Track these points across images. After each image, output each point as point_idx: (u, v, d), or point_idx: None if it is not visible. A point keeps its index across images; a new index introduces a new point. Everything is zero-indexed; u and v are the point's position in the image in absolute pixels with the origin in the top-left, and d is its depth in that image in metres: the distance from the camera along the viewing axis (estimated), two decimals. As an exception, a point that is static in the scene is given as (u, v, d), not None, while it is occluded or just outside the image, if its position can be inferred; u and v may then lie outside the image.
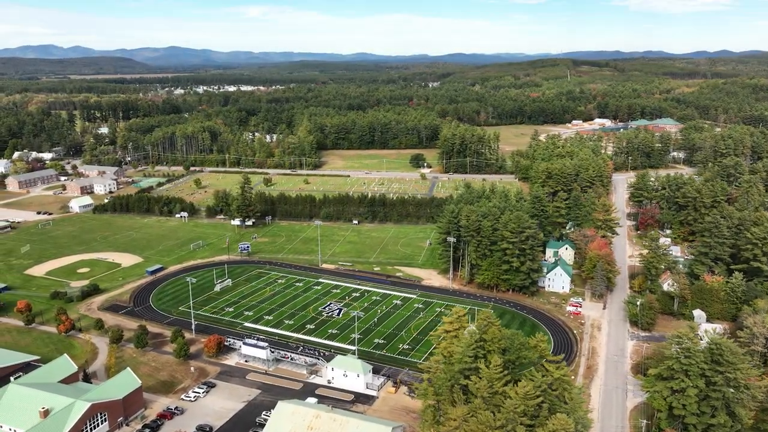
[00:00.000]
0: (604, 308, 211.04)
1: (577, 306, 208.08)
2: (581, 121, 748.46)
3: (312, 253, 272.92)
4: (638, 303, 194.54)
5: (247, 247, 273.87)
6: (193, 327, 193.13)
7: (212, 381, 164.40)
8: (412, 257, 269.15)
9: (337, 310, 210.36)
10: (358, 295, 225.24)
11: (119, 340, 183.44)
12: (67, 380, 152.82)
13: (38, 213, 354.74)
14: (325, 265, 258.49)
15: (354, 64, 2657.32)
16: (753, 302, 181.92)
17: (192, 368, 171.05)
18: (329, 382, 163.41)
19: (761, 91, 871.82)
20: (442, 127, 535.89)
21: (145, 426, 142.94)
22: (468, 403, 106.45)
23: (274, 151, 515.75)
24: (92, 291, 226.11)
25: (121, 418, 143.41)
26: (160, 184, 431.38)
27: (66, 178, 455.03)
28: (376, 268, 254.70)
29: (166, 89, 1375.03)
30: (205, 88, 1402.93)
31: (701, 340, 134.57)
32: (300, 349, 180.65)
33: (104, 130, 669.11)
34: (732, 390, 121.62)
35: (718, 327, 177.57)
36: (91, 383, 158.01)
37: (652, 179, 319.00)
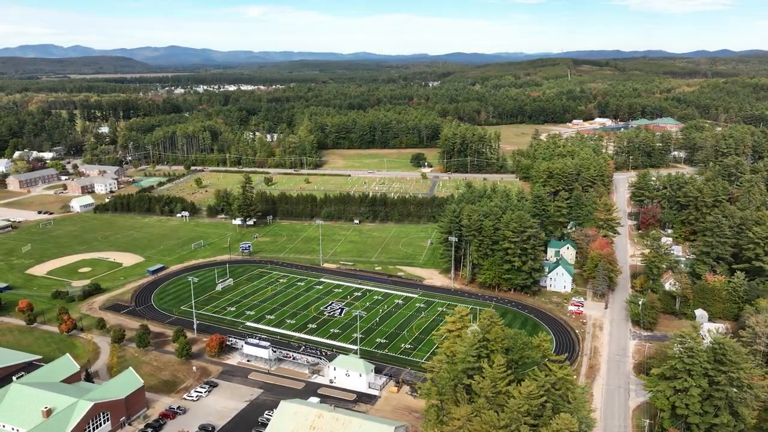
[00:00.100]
0: (606, 308, 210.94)
1: (578, 305, 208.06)
2: (582, 121, 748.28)
3: (313, 252, 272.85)
4: (640, 302, 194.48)
5: (249, 246, 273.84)
6: (194, 326, 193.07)
7: (214, 380, 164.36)
8: (414, 257, 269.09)
9: (339, 310, 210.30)
10: (359, 294, 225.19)
11: (121, 340, 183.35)
12: (70, 380, 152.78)
13: (39, 212, 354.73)
14: (326, 265, 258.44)
15: (354, 64, 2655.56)
16: (755, 302, 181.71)
17: (194, 368, 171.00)
18: (331, 381, 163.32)
19: (762, 91, 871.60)
20: (443, 127, 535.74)
21: (147, 426, 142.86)
22: (471, 402, 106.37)
23: (275, 151, 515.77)
24: (94, 290, 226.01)
25: (124, 418, 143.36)
26: (160, 184, 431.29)
27: (67, 177, 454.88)
28: (377, 268, 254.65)
29: (167, 89, 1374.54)
30: (205, 87, 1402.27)
31: (704, 339, 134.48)
32: (302, 349, 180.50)
33: (105, 129, 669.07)
34: (735, 390, 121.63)
35: (721, 326, 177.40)
36: (93, 383, 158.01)
37: (654, 179, 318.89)
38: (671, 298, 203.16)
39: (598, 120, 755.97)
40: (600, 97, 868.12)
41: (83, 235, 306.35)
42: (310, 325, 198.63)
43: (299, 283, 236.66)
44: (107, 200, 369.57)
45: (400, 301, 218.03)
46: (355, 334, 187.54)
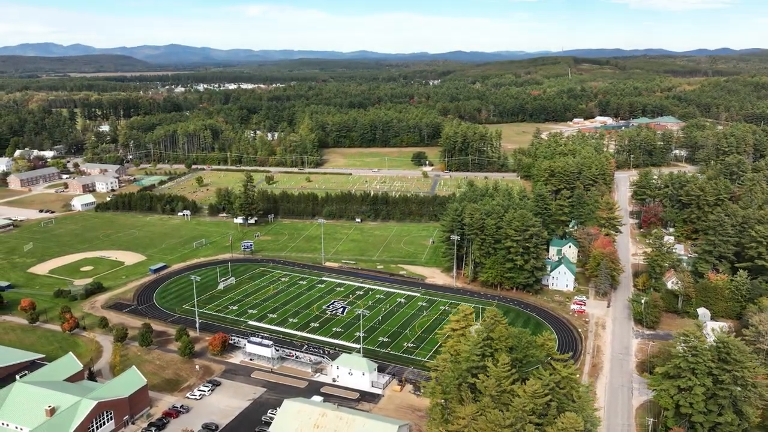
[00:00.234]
0: (608, 306, 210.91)
1: (581, 304, 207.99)
2: (583, 119, 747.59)
3: (315, 251, 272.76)
4: (643, 301, 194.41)
5: (250, 245, 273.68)
6: (197, 325, 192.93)
7: (217, 379, 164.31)
8: (416, 255, 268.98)
9: (341, 309, 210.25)
10: (361, 293, 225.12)
11: (124, 339, 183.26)
12: (73, 378, 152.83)
13: (41, 211, 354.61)
14: (328, 264, 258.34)
15: (354, 62, 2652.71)
16: (758, 300, 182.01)
17: (197, 366, 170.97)
18: (334, 380, 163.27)
19: (762, 89, 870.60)
20: (444, 125, 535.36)
21: (150, 424, 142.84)
22: (476, 401, 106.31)
23: (276, 149, 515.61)
24: (96, 289, 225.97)
25: (127, 417, 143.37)
26: (162, 183, 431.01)
27: (68, 176, 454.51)
28: (379, 267, 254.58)
29: (167, 87, 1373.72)
30: (205, 86, 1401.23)
31: (708, 338, 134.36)
32: (304, 348, 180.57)
33: (105, 128, 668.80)
34: (739, 388, 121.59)
35: (724, 325, 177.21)
36: (96, 381, 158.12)
37: (655, 177, 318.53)
38: (674, 296, 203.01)
39: (598, 118, 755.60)
40: (601, 96, 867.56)
41: (85, 234, 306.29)
42: (312, 324, 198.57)
43: (301, 282, 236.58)
44: (108, 199, 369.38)
45: (402, 300, 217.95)
46: (357, 333, 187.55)
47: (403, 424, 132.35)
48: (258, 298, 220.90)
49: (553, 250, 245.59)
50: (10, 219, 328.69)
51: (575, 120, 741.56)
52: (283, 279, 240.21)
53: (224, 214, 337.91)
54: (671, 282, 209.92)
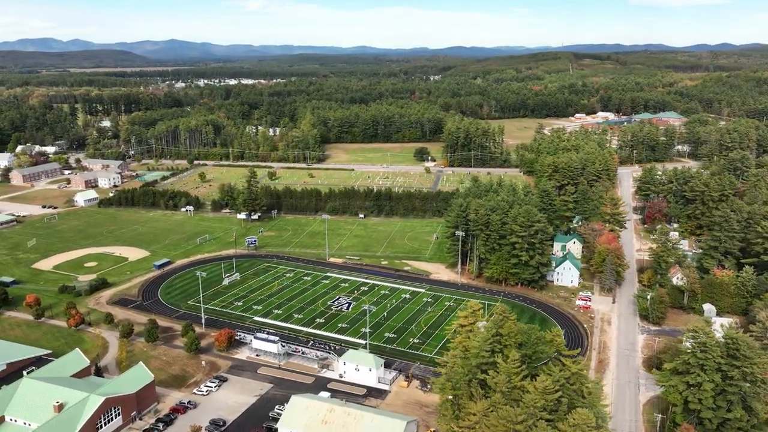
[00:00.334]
0: (614, 302, 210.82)
1: (586, 300, 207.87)
2: (584, 115, 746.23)
3: (319, 246, 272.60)
4: (648, 297, 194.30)
5: (254, 241, 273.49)
6: (203, 321, 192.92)
7: (224, 375, 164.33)
8: (420, 251, 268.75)
9: (347, 304, 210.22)
10: (366, 289, 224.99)
11: (130, 334, 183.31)
12: (80, 374, 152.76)
13: (43, 207, 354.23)
14: (332, 259, 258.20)
15: (354, 58, 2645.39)
16: (764, 296, 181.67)
17: (203, 362, 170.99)
18: (341, 376, 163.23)
19: (765, 85, 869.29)
20: (446, 121, 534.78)
21: (158, 420, 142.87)
22: (486, 397, 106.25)
23: (278, 145, 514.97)
24: (100, 285, 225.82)
25: (135, 413, 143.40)
26: (164, 178, 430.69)
27: (70, 171, 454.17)
28: (383, 262, 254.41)
29: (167, 82, 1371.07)
30: (205, 81, 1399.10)
31: (716, 334, 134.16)
32: (310, 343, 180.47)
33: (106, 123, 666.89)
34: (748, 384, 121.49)
35: (732, 321, 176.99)
36: (102, 377, 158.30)
37: (659, 173, 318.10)
38: (679, 292, 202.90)
39: (600, 114, 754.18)
40: (602, 91, 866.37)
41: (88, 230, 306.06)
42: (317, 320, 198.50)
43: (306, 278, 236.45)
44: (111, 195, 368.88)
45: (407, 296, 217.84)
46: (363, 329, 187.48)
47: (411, 420, 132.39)
48: (263, 293, 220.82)
49: (557, 245, 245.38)
50: (13, 215, 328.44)
51: (577, 115, 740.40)
52: (287, 275, 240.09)
53: (227, 210, 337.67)
54: (676, 278, 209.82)
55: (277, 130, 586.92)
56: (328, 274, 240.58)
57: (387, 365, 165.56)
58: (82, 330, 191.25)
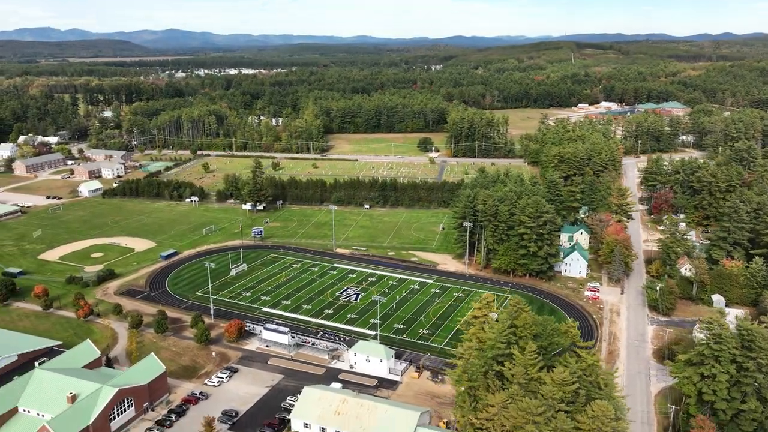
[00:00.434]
0: (622, 293, 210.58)
1: (594, 291, 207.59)
2: (587, 105, 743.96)
3: (325, 237, 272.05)
4: (658, 288, 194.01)
5: (260, 231, 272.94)
6: (211, 312, 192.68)
7: (234, 366, 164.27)
8: (426, 242, 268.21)
9: (355, 295, 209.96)
10: (374, 279, 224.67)
11: (139, 325, 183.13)
12: (91, 365, 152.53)
13: (48, 197, 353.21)
14: (339, 250, 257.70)
15: (354, 47, 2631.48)
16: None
17: (213, 353, 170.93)
18: (351, 367, 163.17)
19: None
20: (450, 111, 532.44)
21: (170, 411, 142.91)
22: (504, 389, 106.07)
23: (281, 135, 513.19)
24: (107, 276, 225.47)
25: (147, 404, 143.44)
26: (167, 169, 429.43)
27: (73, 162, 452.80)
28: (390, 253, 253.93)
29: (167, 72, 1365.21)
30: (206, 71, 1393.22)
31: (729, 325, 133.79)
32: (320, 334, 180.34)
33: (108, 113, 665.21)
34: (763, 376, 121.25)
35: (744, 312, 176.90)
36: (113, 368, 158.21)
37: (666, 163, 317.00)
38: (688, 283, 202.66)
39: (603, 104, 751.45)
40: (605, 81, 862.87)
41: (93, 220, 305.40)
42: (326, 311, 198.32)
43: (313, 269, 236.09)
44: (115, 185, 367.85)
45: (415, 287, 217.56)
46: (372, 320, 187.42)
47: (425, 411, 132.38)
48: (270, 284, 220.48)
49: (564, 236, 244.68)
50: (18, 205, 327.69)
51: (580, 105, 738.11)
52: (294, 265, 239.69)
53: (232, 201, 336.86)
54: (685, 268, 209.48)
55: (280, 120, 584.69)
56: (336, 264, 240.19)
57: (397, 356, 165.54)
58: (91, 321, 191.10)
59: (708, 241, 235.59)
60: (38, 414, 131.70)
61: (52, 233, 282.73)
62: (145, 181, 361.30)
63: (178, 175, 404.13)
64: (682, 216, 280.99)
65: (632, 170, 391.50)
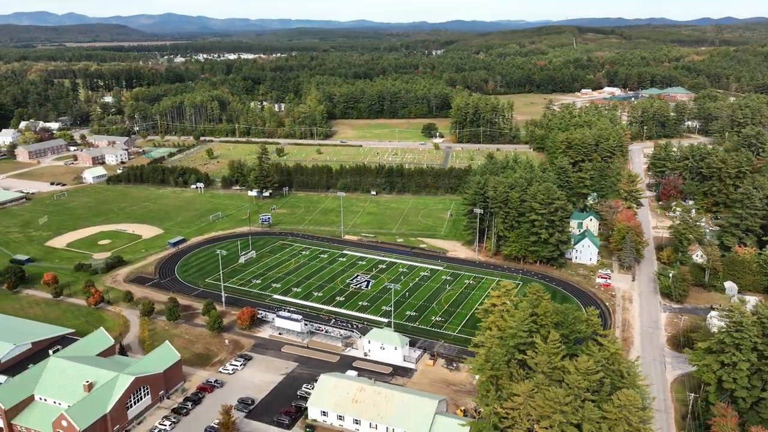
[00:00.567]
0: (633, 280, 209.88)
1: (606, 278, 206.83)
2: (591, 90, 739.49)
3: (332, 224, 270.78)
4: (671, 275, 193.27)
5: (268, 218, 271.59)
6: (223, 299, 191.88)
7: (248, 354, 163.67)
8: (435, 228, 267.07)
9: (365, 282, 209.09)
10: (384, 266, 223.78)
11: (150, 313, 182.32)
12: (105, 353, 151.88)
13: (52, 184, 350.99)
14: (347, 237, 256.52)
15: (353, 32, 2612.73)
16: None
17: (226, 341, 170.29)
18: (366, 354, 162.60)
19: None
20: (454, 96, 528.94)
21: (186, 399, 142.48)
22: (528, 378, 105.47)
23: (285, 121, 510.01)
24: (116, 263, 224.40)
25: (163, 392, 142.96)
26: (171, 155, 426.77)
27: (75, 148, 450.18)
28: (399, 240, 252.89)
29: (166, 57, 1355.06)
30: (204, 56, 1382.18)
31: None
32: (332, 322, 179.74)
33: (108, 99, 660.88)
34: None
35: (758, 300, 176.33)
36: (127, 356, 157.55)
37: (675, 149, 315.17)
38: (700, 270, 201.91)
39: (607, 89, 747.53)
40: (608, 66, 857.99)
41: (98, 207, 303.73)
42: (337, 298, 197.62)
43: (322, 255, 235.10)
44: (119, 171, 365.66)
45: (426, 274, 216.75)
46: (384, 307, 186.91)
47: (442, 399, 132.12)
48: (280, 271, 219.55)
49: (573, 223, 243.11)
50: (22, 191, 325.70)
51: (583, 91, 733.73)
52: (303, 252, 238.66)
53: (238, 187, 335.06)
54: (696, 255, 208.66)
55: (282, 105, 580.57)
56: (345, 251, 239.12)
57: (411, 344, 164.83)
58: (102, 308, 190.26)
59: (718, 228, 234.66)
60: (55, 402, 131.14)
61: (58, 220, 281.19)
62: (150, 168, 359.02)
63: (181, 161, 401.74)
64: (691, 202, 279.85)
65: (638, 156, 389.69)
